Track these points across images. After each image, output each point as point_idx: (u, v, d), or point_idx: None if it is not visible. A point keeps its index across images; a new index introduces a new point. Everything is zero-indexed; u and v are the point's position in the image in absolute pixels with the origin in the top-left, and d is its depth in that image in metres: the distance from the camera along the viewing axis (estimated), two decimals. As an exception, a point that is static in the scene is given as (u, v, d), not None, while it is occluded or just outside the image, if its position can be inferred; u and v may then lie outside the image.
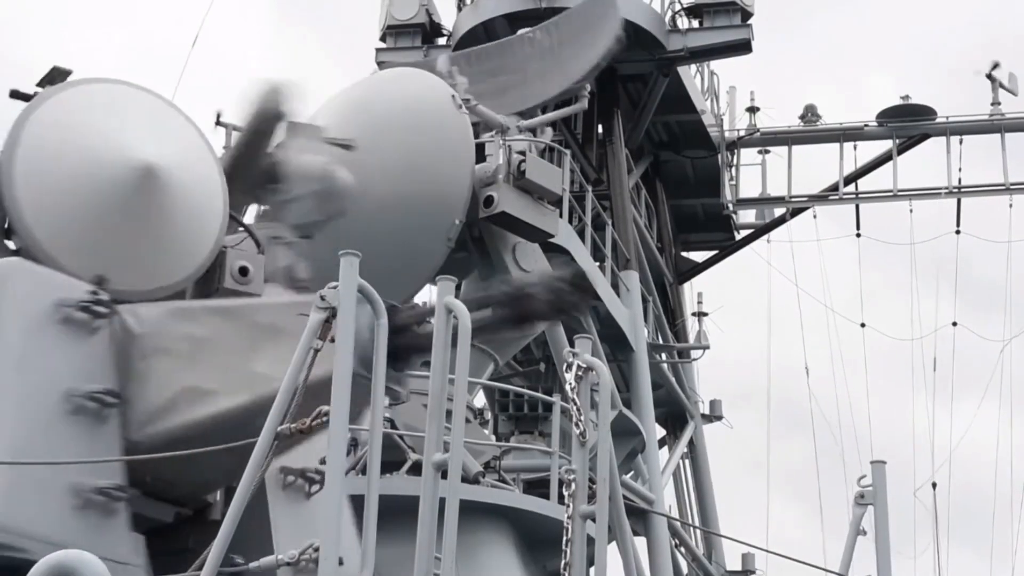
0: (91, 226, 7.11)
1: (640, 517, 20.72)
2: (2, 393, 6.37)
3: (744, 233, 27.39)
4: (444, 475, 5.98)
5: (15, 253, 7.10)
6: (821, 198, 26.86)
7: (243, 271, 7.58)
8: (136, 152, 7.19)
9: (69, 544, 6.22)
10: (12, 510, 6.21)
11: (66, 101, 7.32)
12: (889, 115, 26.34)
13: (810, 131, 26.96)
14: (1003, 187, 26.08)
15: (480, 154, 17.03)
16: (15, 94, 7.34)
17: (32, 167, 7.09)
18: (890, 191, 26.35)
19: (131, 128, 7.33)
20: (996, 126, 26.18)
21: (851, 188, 26.60)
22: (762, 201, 27.32)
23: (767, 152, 27.29)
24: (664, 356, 24.95)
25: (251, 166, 8.75)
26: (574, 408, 6.24)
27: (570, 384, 6.27)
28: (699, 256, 27.36)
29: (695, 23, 24.58)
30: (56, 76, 7.40)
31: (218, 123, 13.26)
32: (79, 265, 6.96)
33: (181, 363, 6.73)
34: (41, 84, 7.41)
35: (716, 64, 26.69)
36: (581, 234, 20.36)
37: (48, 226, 7.05)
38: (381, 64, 24.84)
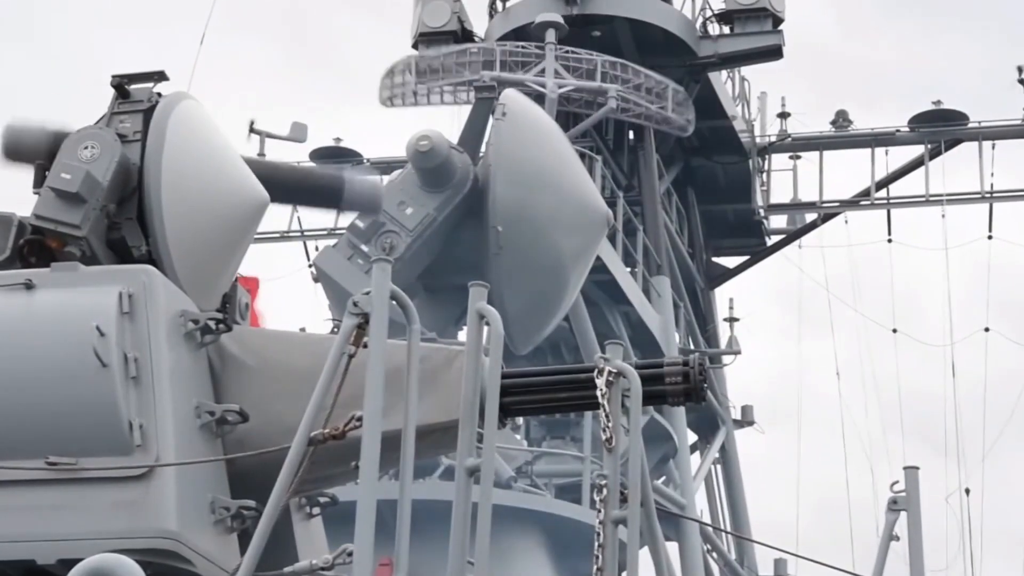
0: (212, 247, 7.21)
1: (672, 522, 20.74)
2: (162, 403, 6.34)
3: (775, 239, 27.36)
4: (477, 480, 6.01)
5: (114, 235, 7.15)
6: (852, 203, 26.79)
7: (247, 306, 7.66)
8: (259, 187, 7.35)
9: (217, 559, 6.29)
10: (184, 523, 6.18)
11: (189, 115, 7.36)
12: (921, 120, 26.27)
13: (841, 136, 26.90)
14: (1036, 191, 26.03)
15: None
16: (119, 86, 7.35)
17: (176, 178, 7.10)
18: (922, 196, 26.27)
19: (240, 159, 7.47)
20: (1029, 131, 26.07)
21: (883, 193, 26.53)
22: (793, 206, 27.28)
23: (798, 157, 27.23)
24: (695, 362, 24.89)
25: None
26: (603, 414, 6.26)
27: (601, 390, 6.29)
28: (730, 261, 27.34)
29: (726, 29, 24.59)
30: (157, 78, 7.42)
31: (252, 131, 13.35)
32: (189, 281, 7.03)
33: (282, 391, 6.73)
34: (131, 81, 7.40)
35: (747, 70, 26.70)
36: (612, 240, 20.40)
37: (179, 239, 7.09)
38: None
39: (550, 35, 21.11)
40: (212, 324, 6.72)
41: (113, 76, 7.32)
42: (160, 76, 7.40)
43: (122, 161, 7.13)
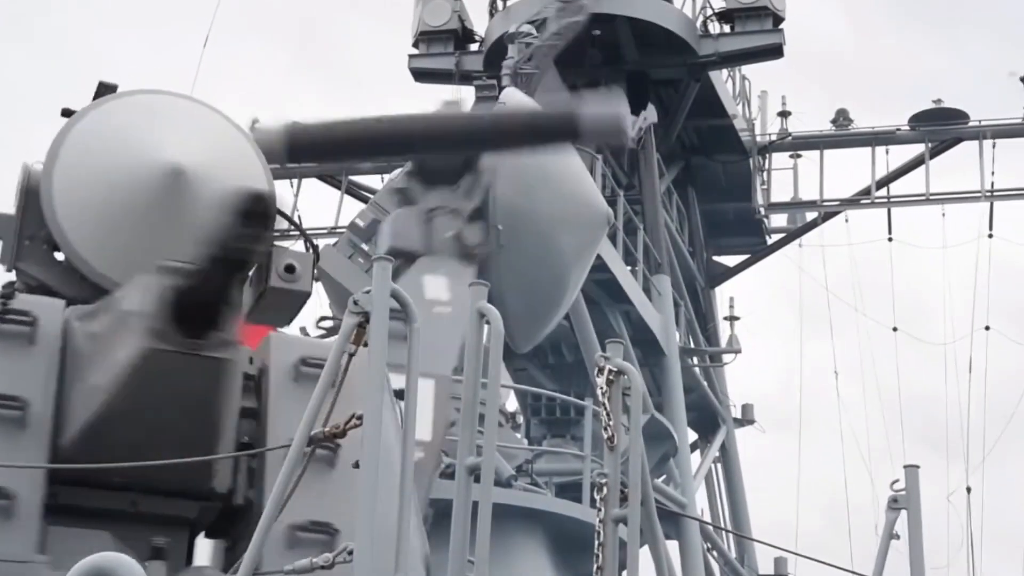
0: (124, 229, 7.15)
1: (672, 521, 20.75)
2: None
3: (775, 237, 27.37)
4: (477, 479, 6.01)
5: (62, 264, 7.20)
6: (853, 202, 26.80)
7: (289, 268, 7.56)
8: (164, 153, 7.22)
9: None
10: None
11: (105, 112, 7.37)
12: (921, 119, 26.27)
13: (842, 135, 26.91)
14: (1037, 190, 26.03)
15: None
16: (66, 112, 7.38)
17: (69, 176, 7.14)
18: (922, 195, 26.28)
19: (162, 131, 7.33)
20: (1029, 129, 26.08)
21: (883, 192, 26.54)
22: (794, 205, 27.29)
23: (799, 156, 27.25)
24: (696, 360, 24.97)
25: None
26: (604, 413, 6.25)
27: (601, 388, 6.28)
28: (730, 260, 27.35)
29: (726, 28, 24.59)
30: (102, 92, 7.43)
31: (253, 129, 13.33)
32: (117, 270, 7.02)
33: (84, 363, 6.73)
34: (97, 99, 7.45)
35: (747, 68, 26.71)
36: (613, 239, 20.40)
37: (83, 233, 7.09)
38: (414, 70, 24.98)
39: (511, 50, 20.99)
40: None
41: (63, 109, 7.38)
42: (108, 89, 7.43)
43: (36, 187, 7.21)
